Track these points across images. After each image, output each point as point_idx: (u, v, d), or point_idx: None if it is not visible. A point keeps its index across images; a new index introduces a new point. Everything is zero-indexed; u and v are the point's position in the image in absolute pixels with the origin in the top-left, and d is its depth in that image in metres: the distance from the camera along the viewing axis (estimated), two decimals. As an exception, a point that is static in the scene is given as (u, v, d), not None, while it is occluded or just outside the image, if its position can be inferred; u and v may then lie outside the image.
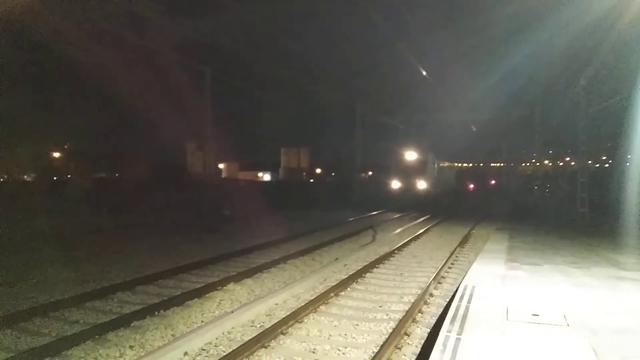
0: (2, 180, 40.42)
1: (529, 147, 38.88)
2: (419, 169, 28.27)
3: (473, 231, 17.09)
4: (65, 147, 42.42)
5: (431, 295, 8.23)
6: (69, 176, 38.89)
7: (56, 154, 42.69)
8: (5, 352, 5.61)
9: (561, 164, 45.46)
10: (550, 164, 40.82)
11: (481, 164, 68.82)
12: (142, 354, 5.43)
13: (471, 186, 48.20)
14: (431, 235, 16.53)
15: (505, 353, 4.67)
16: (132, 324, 6.61)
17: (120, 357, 5.53)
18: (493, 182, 56.37)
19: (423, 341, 6.02)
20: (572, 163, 42.16)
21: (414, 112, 36.62)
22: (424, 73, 23.60)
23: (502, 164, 65.62)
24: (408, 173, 27.94)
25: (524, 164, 61.65)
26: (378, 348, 5.64)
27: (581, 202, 19.09)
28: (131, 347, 5.83)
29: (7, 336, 6.28)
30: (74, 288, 8.50)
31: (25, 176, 41.62)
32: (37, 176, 40.33)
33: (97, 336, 6.09)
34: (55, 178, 39.01)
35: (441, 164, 35.16)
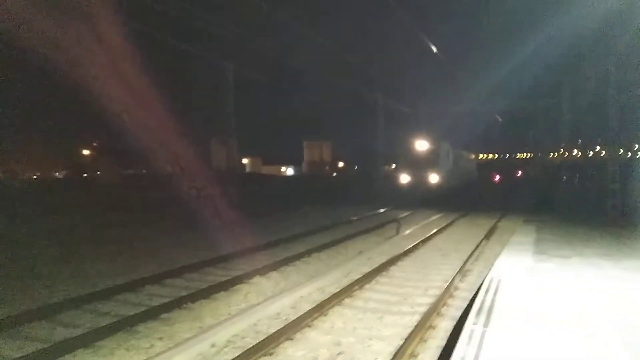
0: (35, 177, 41.80)
1: (557, 137, 37.90)
2: (431, 161, 25.35)
3: (499, 223, 16.83)
4: (95, 144, 43.52)
5: (456, 288, 8.16)
6: (98, 173, 39.92)
7: (86, 151, 43.83)
8: (42, 343, 5.83)
9: (591, 153, 44.22)
10: (580, 154, 39.76)
11: (507, 155, 67.58)
12: (171, 345, 5.57)
13: (497, 177, 47.40)
14: (456, 228, 16.35)
15: (533, 346, 4.61)
16: (160, 316, 6.79)
17: (150, 348, 5.68)
18: (520, 173, 55.30)
19: (448, 334, 5.99)
20: (603, 153, 40.96)
21: (435, 102, 35.76)
22: (442, 58, 23.12)
23: (528, 155, 64.27)
24: (418, 165, 25.06)
25: (551, 154, 60.27)
26: (403, 340, 5.64)
27: (612, 192, 18.53)
28: (160, 338, 5.98)
29: (43, 327, 6.53)
30: (105, 281, 8.76)
31: (56, 173, 42.96)
32: (68, 173, 41.59)
33: (127, 327, 6.28)
34: (85, 175, 40.11)
35: (461, 154, 32.55)
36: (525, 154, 65.95)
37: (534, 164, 59.64)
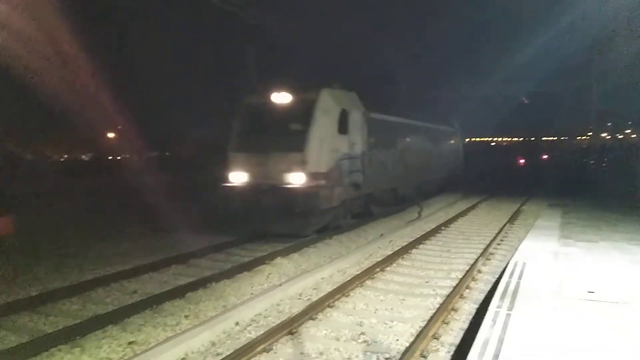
0: (62, 159, 42.93)
1: (585, 119, 36.78)
2: (295, 138, 10.59)
3: (523, 207, 16.54)
4: (119, 127, 44.27)
5: (479, 271, 8.10)
6: (123, 155, 40.66)
7: (111, 135, 44.65)
8: (74, 318, 6.05)
9: (620, 136, 42.90)
10: (609, 137, 38.59)
11: (532, 138, 66.04)
12: (197, 323, 5.70)
13: (521, 161, 46.49)
14: (479, 211, 16.16)
15: (559, 329, 4.56)
16: (186, 295, 6.95)
17: (176, 325, 5.83)
18: (545, 156, 54.09)
19: (471, 317, 5.97)
20: (633, 135, 39.69)
21: (456, 85, 34.23)
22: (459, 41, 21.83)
23: (554, 138, 62.73)
24: (265, 149, 10.76)
25: (579, 137, 58.68)
26: (425, 322, 5.65)
27: (642, 176, 17.98)
28: (186, 316, 6.13)
29: (74, 303, 6.78)
30: (131, 261, 8.99)
31: (83, 156, 44.00)
32: (93, 156, 42.53)
33: (154, 305, 6.45)
34: (110, 157, 40.92)
35: (432, 131, 19.67)
36: (552, 137, 64.38)
37: (560, 147, 58.29)
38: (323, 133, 10.71)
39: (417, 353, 4.80)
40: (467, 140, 42.43)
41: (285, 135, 10.71)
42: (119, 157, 39.61)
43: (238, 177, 11.00)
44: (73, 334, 5.44)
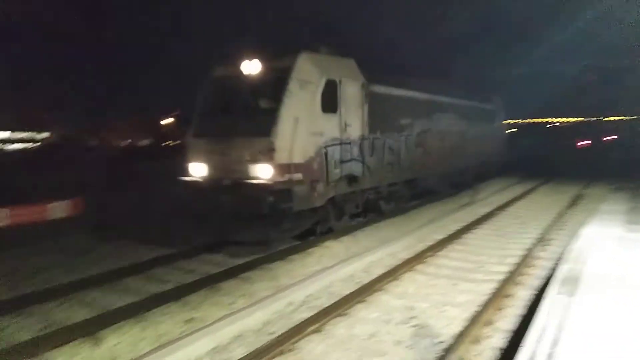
0: (123, 145, 45.32)
1: None
2: (263, 118, 8.14)
3: (586, 191, 15.71)
4: (176, 114, 45.97)
5: (537, 257, 7.80)
6: (177, 141, 42.28)
7: (168, 121, 46.57)
8: (136, 295, 6.43)
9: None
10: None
11: (594, 119, 62.00)
12: (251, 302, 5.90)
13: (584, 143, 43.88)
14: (537, 195, 15.50)
15: (621, 319, 4.34)
16: (240, 275, 7.20)
17: (232, 304, 6.07)
18: (609, 137, 50.72)
19: (527, 303, 5.79)
20: None
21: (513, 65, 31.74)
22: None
23: (621, 117, 58.56)
24: (229, 132, 8.35)
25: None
26: (478, 308, 5.55)
27: None
28: (242, 295, 6.37)
29: (137, 281, 7.21)
30: (188, 242, 9.39)
31: (143, 141, 46.23)
32: (152, 141, 44.59)
33: (211, 285, 6.74)
34: (167, 142, 42.69)
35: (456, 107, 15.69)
36: (618, 117, 60.14)
37: (628, 127, 54.33)
38: (300, 111, 8.19)
39: (470, 338, 4.74)
40: (520, 121, 40.43)
41: (251, 115, 8.38)
42: (175, 143, 41.26)
43: (197, 170, 8.57)
44: (139, 309, 5.80)
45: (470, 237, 9.49)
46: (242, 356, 4.40)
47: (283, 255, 8.21)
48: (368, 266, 7.61)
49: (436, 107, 13.92)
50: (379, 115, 10.60)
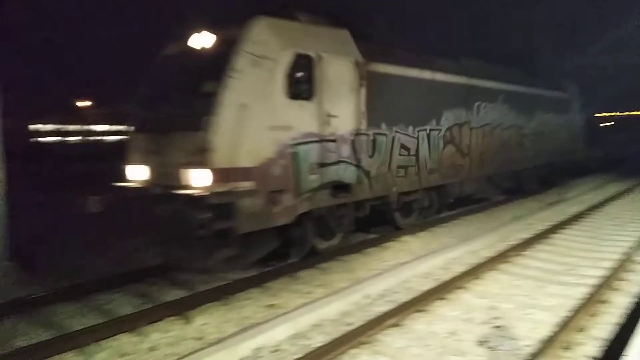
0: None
1: None
2: (205, 104, 5.95)
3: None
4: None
5: (636, 262, 7.16)
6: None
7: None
8: (222, 279, 6.78)
9: None
10: None
11: None
12: (329, 292, 6.02)
13: None
14: (635, 195, 14.18)
15: None
16: (318, 266, 7.34)
17: (310, 293, 6.22)
18: None
19: (625, 311, 5.35)
20: None
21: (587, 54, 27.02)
22: None
23: None
24: (164, 126, 6.44)
25: None
26: (569, 312, 5.21)
27: None
28: (319, 285, 6.50)
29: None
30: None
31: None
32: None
33: (290, 273, 6.94)
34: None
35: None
36: None
37: None
38: (250, 97, 6.11)
39: (560, 344, 4.48)
40: (617, 114, 36.61)
41: (189, 103, 6.33)
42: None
43: (135, 173, 6.80)
44: (223, 293, 6.14)
45: (560, 238, 8.91)
46: (321, 344, 4.51)
47: (359, 248, 8.26)
48: (447, 263, 7.43)
49: (478, 94, 11.21)
50: (385, 103, 8.29)
